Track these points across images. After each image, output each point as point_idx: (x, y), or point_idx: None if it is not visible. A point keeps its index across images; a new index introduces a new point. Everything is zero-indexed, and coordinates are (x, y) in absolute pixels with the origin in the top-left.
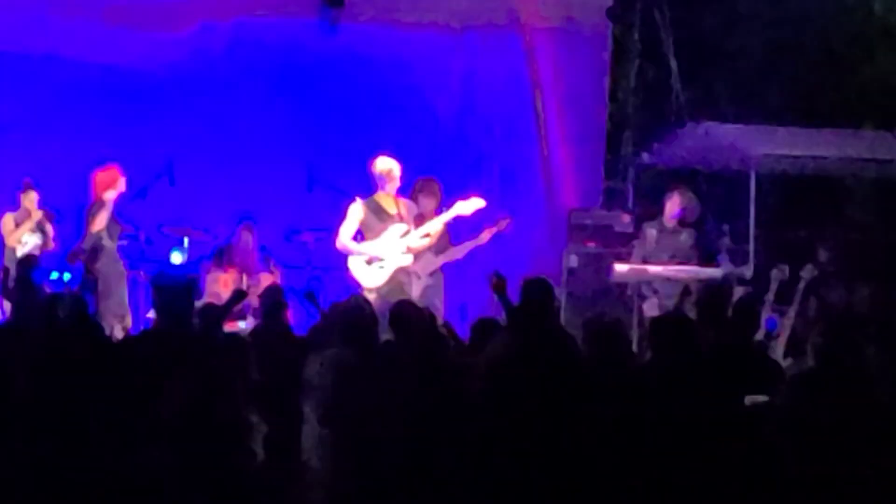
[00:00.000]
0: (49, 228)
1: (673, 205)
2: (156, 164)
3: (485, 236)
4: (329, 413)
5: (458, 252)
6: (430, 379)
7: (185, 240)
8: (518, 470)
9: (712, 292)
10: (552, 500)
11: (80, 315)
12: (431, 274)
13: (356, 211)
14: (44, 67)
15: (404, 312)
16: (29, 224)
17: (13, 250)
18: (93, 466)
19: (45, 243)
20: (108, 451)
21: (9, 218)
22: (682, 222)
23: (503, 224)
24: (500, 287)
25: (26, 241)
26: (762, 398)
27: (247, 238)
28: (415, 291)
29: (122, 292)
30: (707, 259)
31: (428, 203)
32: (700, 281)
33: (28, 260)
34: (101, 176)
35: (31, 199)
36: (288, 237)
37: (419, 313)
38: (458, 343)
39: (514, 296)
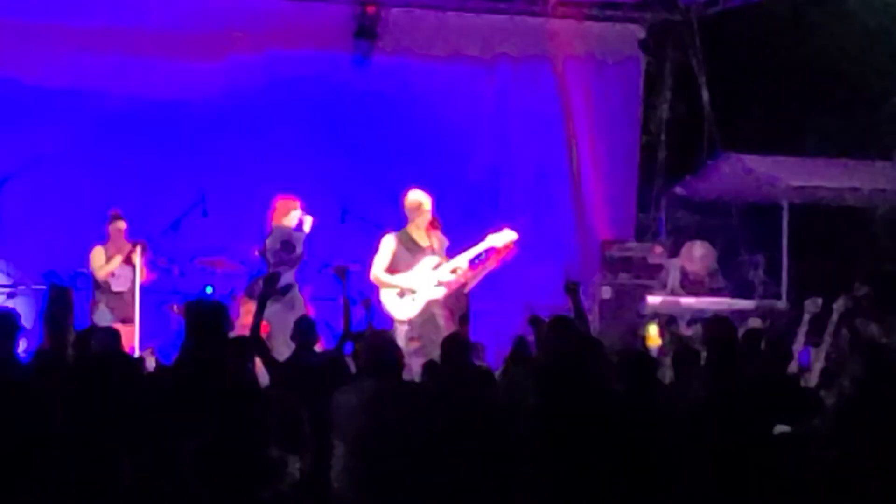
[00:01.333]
0: (139, 259)
1: (690, 260)
2: (189, 196)
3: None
4: (358, 446)
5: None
6: (460, 413)
7: (216, 272)
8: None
9: (718, 326)
10: None
11: (114, 347)
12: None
13: (388, 244)
14: (76, 101)
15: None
16: (119, 257)
17: (108, 284)
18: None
19: (137, 274)
20: (136, 486)
21: (99, 251)
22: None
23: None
24: (572, 289)
25: (119, 275)
26: (787, 429)
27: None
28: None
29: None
30: (741, 291)
31: None
32: (732, 313)
33: (66, 292)
34: (280, 204)
35: (118, 228)
36: (320, 269)
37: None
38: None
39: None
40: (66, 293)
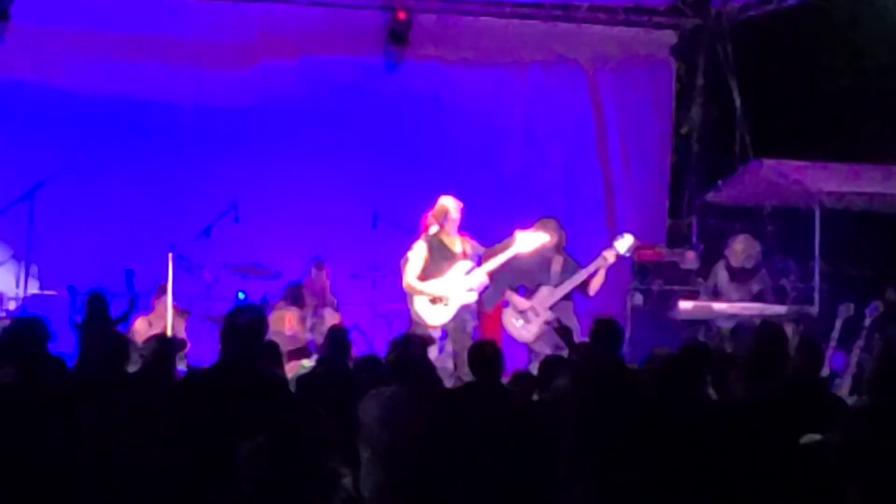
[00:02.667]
0: (180, 328)
1: (733, 254)
2: (220, 202)
3: (609, 256)
4: (384, 452)
5: (576, 280)
6: (493, 420)
7: (248, 279)
8: None
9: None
10: None
11: (164, 356)
12: (552, 307)
13: (420, 250)
14: (110, 108)
15: (485, 353)
16: (160, 330)
17: None
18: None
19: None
20: (177, 489)
21: (142, 323)
22: (750, 267)
23: (627, 242)
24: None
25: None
26: (817, 437)
27: (318, 276)
28: (533, 327)
29: None
30: (774, 296)
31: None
32: (764, 318)
33: (100, 298)
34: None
35: (164, 303)
36: (353, 275)
37: (498, 353)
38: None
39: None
40: (101, 301)
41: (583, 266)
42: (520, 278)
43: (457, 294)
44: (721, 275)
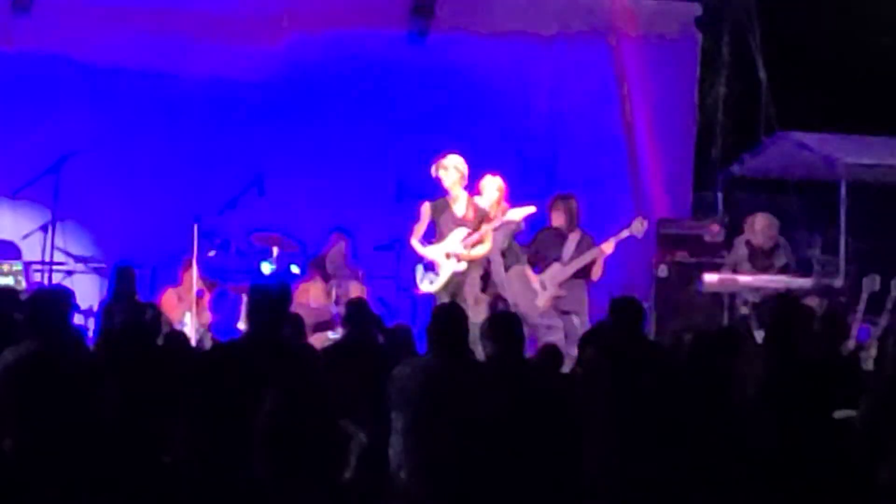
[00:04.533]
0: (204, 301)
1: (752, 232)
2: (246, 174)
3: (606, 248)
4: (417, 423)
5: (587, 258)
6: (521, 391)
7: (275, 250)
8: (606, 482)
9: (776, 305)
10: None
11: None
12: (562, 284)
13: (424, 212)
14: (136, 82)
15: (503, 322)
16: (189, 314)
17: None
18: (185, 477)
19: (202, 319)
20: (200, 462)
21: (171, 294)
22: (773, 245)
23: (638, 227)
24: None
25: (186, 322)
26: (850, 413)
27: (339, 247)
28: (540, 301)
29: None
30: (799, 269)
31: (557, 218)
32: (790, 291)
33: (127, 271)
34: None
35: (191, 276)
36: (377, 247)
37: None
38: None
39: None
40: (129, 273)
41: (597, 244)
42: (535, 254)
43: (447, 261)
44: (741, 251)
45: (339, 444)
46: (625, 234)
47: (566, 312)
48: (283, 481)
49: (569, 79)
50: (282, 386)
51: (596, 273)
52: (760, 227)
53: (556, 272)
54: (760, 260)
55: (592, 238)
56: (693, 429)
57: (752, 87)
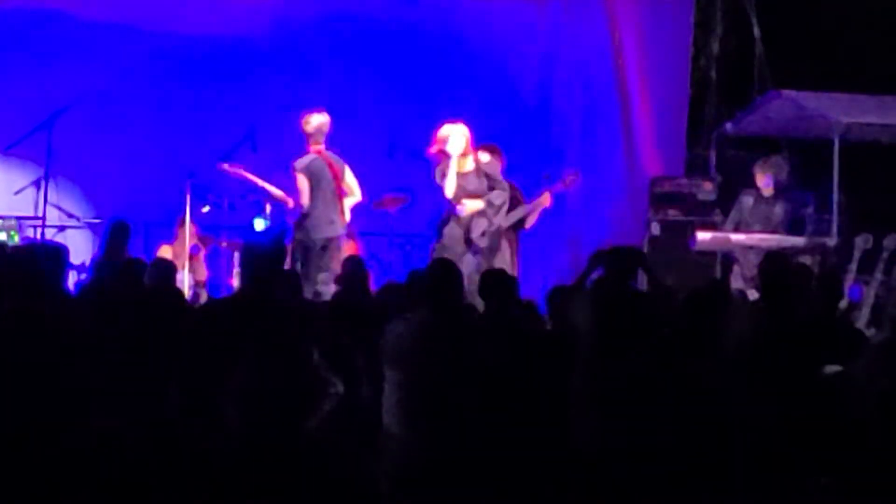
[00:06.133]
0: (199, 257)
1: (762, 175)
2: (238, 130)
3: (547, 198)
4: (410, 378)
5: (520, 213)
6: (512, 346)
7: (268, 206)
8: (604, 439)
9: (774, 263)
10: (631, 467)
11: (164, 281)
12: (484, 234)
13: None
14: (128, 37)
15: (493, 279)
16: (183, 259)
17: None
18: (168, 431)
19: (197, 275)
20: (183, 416)
21: (166, 250)
22: (777, 190)
23: (570, 180)
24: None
25: (181, 280)
26: (837, 368)
27: None
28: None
29: None
30: (792, 228)
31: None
32: (783, 249)
33: (122, 227)
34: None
35: (186, 233)
36: (370, 204)
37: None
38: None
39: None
40: (124, 228)
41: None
42: None
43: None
44: (746, 201)
45: (312, 396)
46: (560, 187)
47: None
48: (253, 434)
49: (562, 36)
50: (260, 343)
51: (531, 221)
52: (774, 163)
53: (480, 225)
54: (763, 208)
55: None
56: (681, 386)
57: (747, 46)
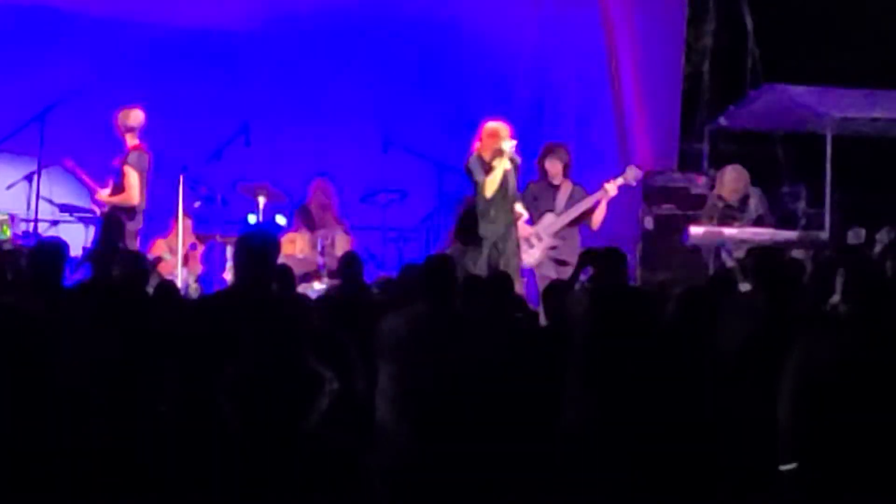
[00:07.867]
0: (196, 254)
1: (722, 187)
2: (231, 125)
3: (610, 189)
4: (405, 371)
5: (581, 208)
6: (506, 342)
7: (261, 201)
8: (592, 435)
9: (764, 256)
10: (626, 461)
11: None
12: (556, 234)
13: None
14: (121, 30)
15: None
16: (180, 265)
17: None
18: (164, 425)
19: (193, 270)
20: (180, 409)
21: (160, 245)
22: (736, 206)
23: (631, 175)
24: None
25: (177, 274)
26: None
27: (318, 195)
28: (536, 252)
29: None
30: (784, 222)
31: (552, 167)
32: (775, 244)
33: (115, 220)
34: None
35: (183, 228)
36: (363, 199)
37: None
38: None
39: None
40: (117, 222)
41: (590, 194)
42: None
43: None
44: (715, 204)
45: (308, 392)
46: (620, 180)
47: (562, 262)
48: (248, 426)
49: (556, 30)
50: (255, 338)
51: (597, 219)
52: (728, 179)
53: (550, 223)
54: (730, 213)
55: (583, 187)
56: (676, 380)
57: (739, 39)
